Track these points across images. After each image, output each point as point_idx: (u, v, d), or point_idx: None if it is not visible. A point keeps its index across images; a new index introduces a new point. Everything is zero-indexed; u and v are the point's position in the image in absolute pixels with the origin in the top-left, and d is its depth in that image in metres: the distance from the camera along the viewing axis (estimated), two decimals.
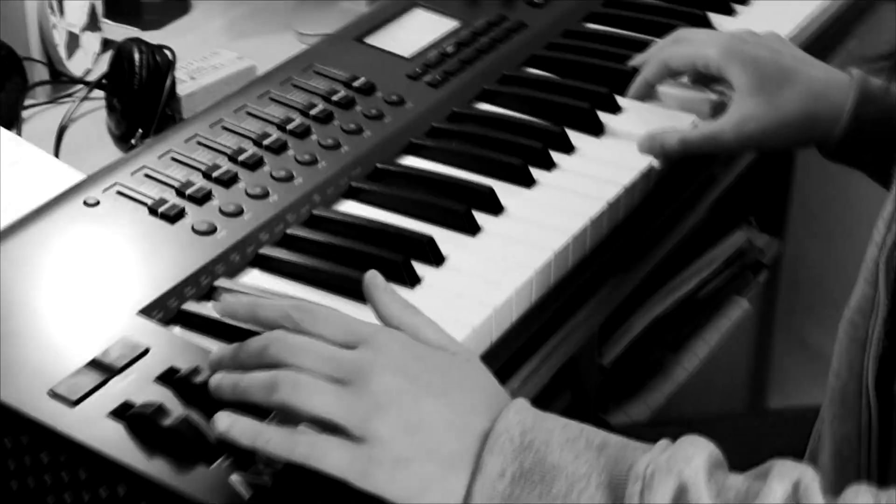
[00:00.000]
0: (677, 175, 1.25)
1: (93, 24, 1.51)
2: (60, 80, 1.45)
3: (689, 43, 1.27)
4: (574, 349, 1.16)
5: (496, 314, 1.03)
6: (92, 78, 1.48)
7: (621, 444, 0.82)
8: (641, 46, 1.37)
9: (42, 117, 1.43)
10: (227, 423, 0.86)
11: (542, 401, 1.17)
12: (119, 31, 1.58)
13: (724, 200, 1.40)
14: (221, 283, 1.04)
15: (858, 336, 0.96)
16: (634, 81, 1.30)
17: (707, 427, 1.24)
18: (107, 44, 1.55)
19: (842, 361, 0.99)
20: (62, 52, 1.45)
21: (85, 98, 1.42)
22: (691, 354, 1.48)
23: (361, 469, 0.82)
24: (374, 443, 0.82)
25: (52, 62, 1.45)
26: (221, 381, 0.88)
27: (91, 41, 1.50)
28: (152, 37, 1.48)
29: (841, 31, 1.54)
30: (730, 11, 1.48)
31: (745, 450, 0.88)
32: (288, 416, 0.86)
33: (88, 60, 1.50)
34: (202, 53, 1.49)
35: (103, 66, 1.50)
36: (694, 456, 0.80)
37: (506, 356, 1.07)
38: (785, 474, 0.79)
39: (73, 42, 1.47)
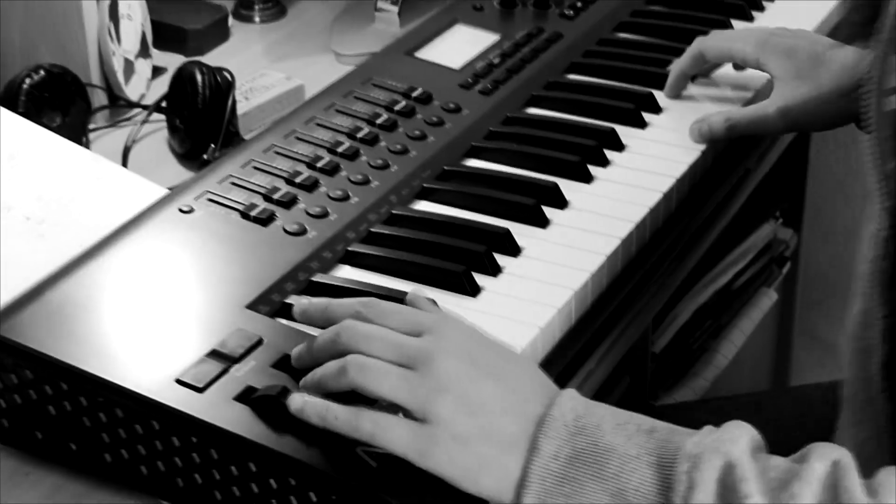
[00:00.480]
0: (716, 170, 1.33)
1: (144, 51, 1.58)
2: (123, 104, 1.52)
3: (725, 36, 1.35)
4: (632, 341, 1.23)
5: (558, 314, 1.10)
6: (147, 102, 1.55)
7: (669, 429, 0.87)
8: (671, 51, 1.45)
9: (104, 140, 1.49)
10: (300, 403, 0.93)
11: (604, 389, 1.24)
12: (166, 58, 1.65)
13: (755, 195, 1.48)
14: (319, 277, 1.11)
15: (862, 347, 1.01)
16: (670, 76, 1.37)
17: (739, 405, 1.32)
18: (156, 70, 1.61)
19: (851, 371, 1.04)
20: (121, 77, 1.51)
21: (145, 120, 1.49)
22: (729, 342, 1.56)
23: (421, 447, 0.88)
24: (435, 422, 0.88)
25: (110, 87, 1.52)
26: (305, 381, 0.95)
27: (144, 67, 1.57)
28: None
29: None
30: (749, 17, 1.56)
31: (772, 427, 0.93)
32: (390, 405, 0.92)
33: (143, 85, 1.57)
34: (248, 75, 1.56)
35: (155, 90, 1.58)
36: (739, 437, 0.84)
37: (571, 352, 1.13)
38: (825, 455, 0.83)
39: (129, 68, 1.54)
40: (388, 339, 0.92)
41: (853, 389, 1.04)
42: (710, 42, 1.36)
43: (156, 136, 1.50)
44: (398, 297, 1.07)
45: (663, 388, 1.47)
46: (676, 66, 1.37)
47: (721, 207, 1.36)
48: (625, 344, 1.21)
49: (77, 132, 1.45)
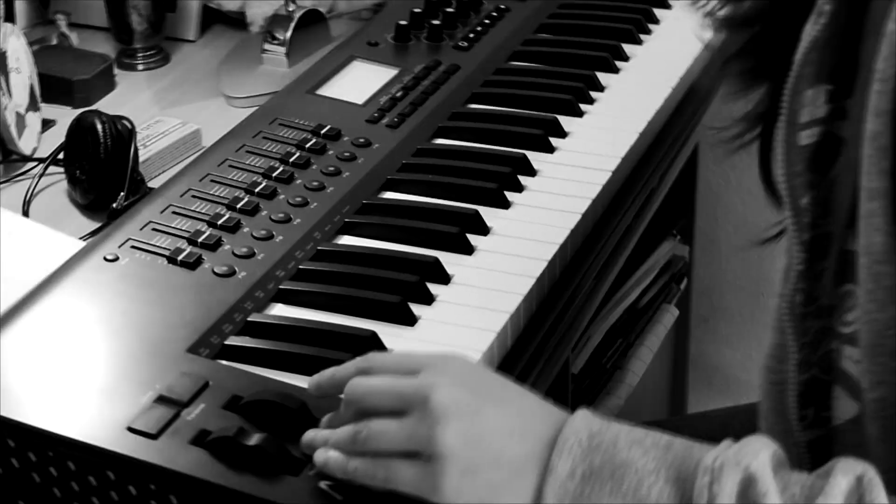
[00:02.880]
0: (624, 189, 1.36)
1: (33, 105, 1.55)
2: (17, 159, 1.49)
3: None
4: (560, 363, 1.25)
5: (497, 338, 1.10)
6: (39, 154, 1.52)
7: (687, 444, 0.86)
8: (565, 77, 1.48)
9: (1, 196, 1.46)
10: (323, 458, 0.92)
11: None
12: (54, 111, 1.62)
13: (656, 213, 1.51)
14: (255, 317, 1.10)
15: (777, 379, 1.01)
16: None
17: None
18: (45, 123, 1.59)
19: (766, 405, 1.04)
20: (13, 131, 1.49)
21: (43, 174, 1.47)
22: (638, 360, 1.58)
23: (432, 484, 0.87)
24: (441, 458, 0.87)
25: (2, 142, 1.49)
26: (327, 453, 0.93)
27: (34, 121, 1.55)
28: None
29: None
30: (637, 40, 1.60)
31: None
32: None
33: (34, 139, 1.54)
34: (142, 123, 1.55)
35: (46, 143, 1.55)
36: (760, 451, 0.83)
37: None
38: (849, 469, 0.81)
39: (20, 122, 1.51)
40: (386, 387, 0.91)
41: (769, 422, 1.04)
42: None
43: (54, 188, 1.48)
44: (338, 331, 1.07)
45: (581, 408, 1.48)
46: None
47: (631, 226, 1.38)
48: (553, 366, 1.22)
49: None
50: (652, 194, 1.43)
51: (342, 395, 0.94)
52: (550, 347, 1.20)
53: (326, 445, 0.93)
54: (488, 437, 0.87)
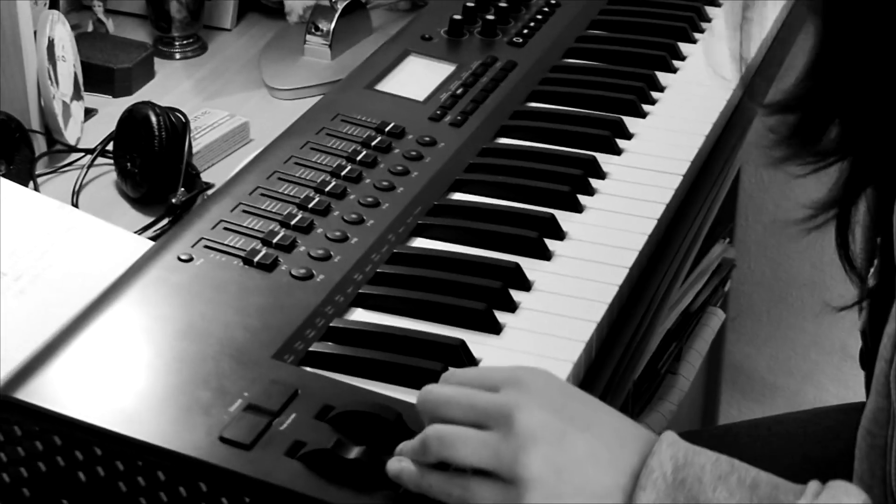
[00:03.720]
0: (691, 190, 1.34)
1: (77, 94, 1.52)
2: (63, 149, 1.46)
3: None
4: (639, 369, 1.22)
5: (585, 349, 1.08)
6: (83, 145, 1.49)
7: (772, 485, 0.84)
8: (622, 75, 1.46)
9: (48, 188, 1.43)
10: (397, 469, 0.90)
11: None
12: (94, 100, 1.59)
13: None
14: (338, 323, 1.07)
15: (877, 444, 0.98)
16: None
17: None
18: (87, 112, 1.55)
19: (863, 467, 1.00)
20: (60, 121, 1.45)
21: (91, 164, 1.43)
22: (688, 364, 1.56)
23: None
24: (524, 484, 0.85)
25: (49, 132, 1.46)
26: (401, 463, 0.91)
27: (78, 110, 1.51)
28: (125, 102, 1.50)
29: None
30: (691, 39, 1.57)
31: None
32: None
33: (77, 129, 1.51)
34: (188, 114, 1.51)
35: (88, 133, 1.51)
36: (853, 499, 0.81)
37: (597, 386, 1.11)
38: None
39: (66, 112, 1.47)
40: (464, 398, 0.89)
41: (865, 484, 0.99)
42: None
43: (101, 180, 1.45)
44: (425, 339, 1.04)
45: (634, 415, 1.47)
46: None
47: (698, 229, 1.36)
48: (629, 374, 1.20)
49: (23, 180, 1.38)
50: (715, 196, 1.41)
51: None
52: (628, 356, 1.18)
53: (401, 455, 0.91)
54: (574, 465, 0.85)
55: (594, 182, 1.28)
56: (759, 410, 2.10)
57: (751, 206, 2.04)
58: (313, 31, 1.67)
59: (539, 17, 1.58)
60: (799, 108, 0.98)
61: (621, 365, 1.15)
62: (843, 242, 1.04)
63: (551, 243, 1.19)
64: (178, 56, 1.71)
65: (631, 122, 1.38)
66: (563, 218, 1.22)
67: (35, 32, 1.43)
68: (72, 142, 1.48)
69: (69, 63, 1.50)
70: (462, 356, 1.04)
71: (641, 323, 1.19)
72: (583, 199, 1.26)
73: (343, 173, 1.24)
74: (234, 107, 1.57)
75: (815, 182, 1.07)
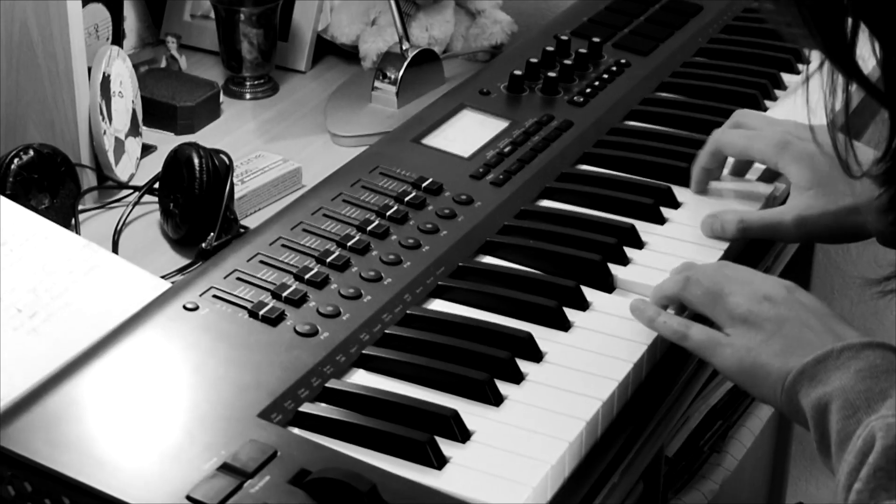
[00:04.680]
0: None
1: (134, 130, 1.52)
2: (113, 185, 1.46)
3: (746, 132, 1.30)
4: (654, 450, 1.17)
5: (587, 427, 1.04)
6: (136, 182, 1.48)
7: None
8: (684, 142, 1.41)
9: (93, 223, 1.43)
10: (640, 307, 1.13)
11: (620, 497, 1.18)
12: (155, 137, 1.59)
13: None
14: (333, 384, 1.04)
15: None
16: (693, 171, 1.33)
17: None
18: (145, 148, 1.55)
19: None
20: (111, 157, 1.45)
21: (136, 203, 1.43)
22: (737, 443, 1.51)
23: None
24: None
25: (99, 167, 1.46)
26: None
27: (134, 146, 1.51)
28: (188, 140, 1.50)
29: None
30: (762, 107, 1.52)
31: None
32: None
33: (132, 165, 1.51)
34: (242, 155, 1.51)
35: (144, 170, 1.51)
36: None
37: (599, 467, 1.07)
38: None
39: (119, 147, 1.47)
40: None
41: None
42: (729, 139, 1.31)
43: (147, 218, 1.44)
44: (418, 407, 1.01)
45: (673, 491, 1.41)
46: (697, 163, 1.33)
47: None
48: (647, 453, 1.15)
49: (66, 215, 1.38)
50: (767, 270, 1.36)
51: None
52: (647, 433, 1.13)
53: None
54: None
55: (630, 252, 1.24)
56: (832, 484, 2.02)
57: (828, 264, 1.97)
58: (382, 78, 1.66)
59: (605, 76, 1.54)
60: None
61: (635, 441, 1.11)
62: None
63: (572, 314, 1.15)
64: (247, 96, 1.71)
65: (681, 192, 1.34)
66: (590, 291, 1.18)
67: (90, 68, 1.43)
68: (125, 178, 1.48)
69: (127, 98, 1.50)
70: (454, 428, 1.00)
71: (661, 400, 1.14)
72: (614, 268, 1.21)
73: (369, 228, 1.22)
74: (293, 151, 1.56)
75: None
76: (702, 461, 1.47)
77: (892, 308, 1.80)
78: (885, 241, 1.25)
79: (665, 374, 1.15)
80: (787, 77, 1.58)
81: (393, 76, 1.65)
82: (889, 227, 1.02)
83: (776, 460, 1.86)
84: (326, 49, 1.82)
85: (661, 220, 1.30)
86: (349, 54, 1.80)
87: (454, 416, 1.01)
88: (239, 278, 1.14)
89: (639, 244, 1.26)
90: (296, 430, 1.00)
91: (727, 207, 1.31)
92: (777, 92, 1.55)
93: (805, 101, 0.95)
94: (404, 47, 1.67)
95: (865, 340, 1.01)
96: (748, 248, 1.30)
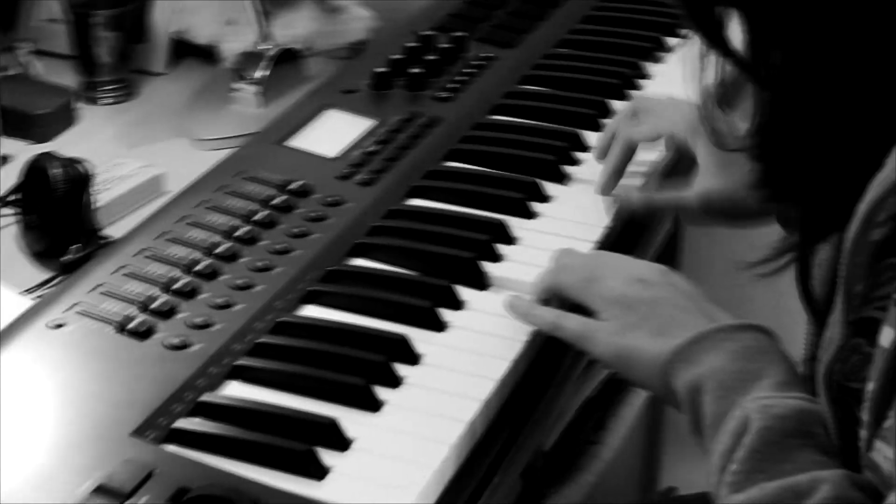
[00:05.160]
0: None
1: None
2: None
3: (651, 116, 1.31)
4: (534, 445, 1.17)
5: (468, 429, 1.03)
6: None
7: None
8: (548, 134, 1.41)
9: None
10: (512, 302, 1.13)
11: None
12: (12, 146, 1.54)
13: None
14: (207, 397, 1.02)
15: None
16: (603, 176, 1.33)
17: None
18: (2, 159, 1.51)
19: None
20: None
21: None
22: (612, 433, 1.51)
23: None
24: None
25: None
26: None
27: None
28: (46, 149, 1.46)
29: None
30: (623, 97, 1.52)
31: None
32: None
33: None
34: (103, 164, 1.47)
35: (6, 181, 1.47)
36: None
37: (480, 468, 1.06)
38: None
39: None
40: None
41: None
42: (637, 130, 1.31)
43: (4, 232, 1.39)
44: (295, 417, 0.99)
45: (552, 487, 1.41)
46: (608, 166, 1.33)
47: None
48: (527, 451, 1.15)
49: None
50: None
51: None
52: (526, 430, 1.12)
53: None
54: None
55: (502, 248, 1.23)
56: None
57: (699, 252, 1.98)
58: (241, 79, 1.63)
59: (471, 71, 1.54)
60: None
61: (513, 444, 1.10)
62: (803, 280, 1.03)
63: (448, 313, 1.14)
64: (105, 100, 1.67)
65: (550, 185, 1.33)
66: (464, 288, 1.17)
67: None
68: None
69: None
70: (333, 436, 0.99)
71: (541, 396, 1.14)
72: (487, 265, 1.20)
73: (237, 235, 1.19)
74: (154, 156, 1.53)
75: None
76: (579, 454, 1.47)
77: (763, 293, 1.81)
78: (786, 223, 1.25)
79: (543, 369, 1.14)
80: (648, 66, 1.59)
81: (254, 76, 1.63)
82: (761, 203, 1.03)
83: (649, 447, 1.87)
84: (186, 50, 1.78)
85: (531, 215, 1.29)
86: (209, 55, 1.77)
87: (332, 424, 0.99)
88: (104, 292, 1.11)
89: (511, 240, 1.25)
90: (172, 448, 0.98)
91: (595, 200, 1.31)
92: (640, 82, 1.55)
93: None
94: (265, 46, 1.64)
95: (739, 322, 1.02)
96: (619, 239, 1.30)
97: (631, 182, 1.32)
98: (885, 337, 0.85)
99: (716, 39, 0.91)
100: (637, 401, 1.58)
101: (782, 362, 0.99)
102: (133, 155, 1.53)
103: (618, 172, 1.33)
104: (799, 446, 0.91)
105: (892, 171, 0.86)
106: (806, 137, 0.91)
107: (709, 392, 0.98)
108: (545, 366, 1.15)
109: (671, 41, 1.64)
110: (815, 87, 0.89)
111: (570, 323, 1.10)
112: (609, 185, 1.33)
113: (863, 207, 0.87)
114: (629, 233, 1.31)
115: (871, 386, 0.86)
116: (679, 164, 1.35)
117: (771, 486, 0.89)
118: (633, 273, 1.10)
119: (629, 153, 1.33)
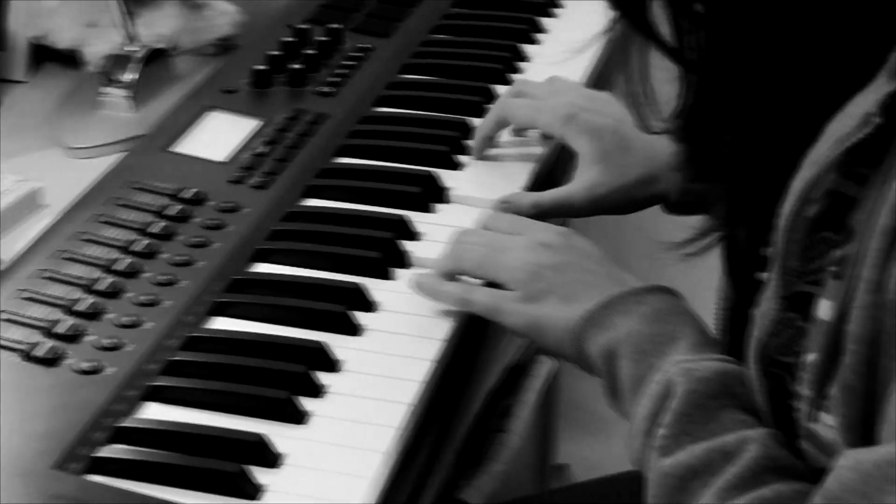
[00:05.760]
0: None
1: None
2: None
3: (532, 102, 1.31)
4: (460, 442, 1.16)
5: (397, 433, 1.01)
6: None
7: None
8: (436, 124, 1.39)
9: None
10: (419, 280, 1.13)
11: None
12: None
13: None
14: (127, 422, 0.98)
15: None
16: (474, 140, 1.34)
17: None
18: None
19: None
20: None
21: None
22: (518, 419, 1.50)
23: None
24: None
25: None
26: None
27: None
28: None
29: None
30: (506, 81, 1.51)
31: None
32: None
33: None
34: None
35: None
36: None
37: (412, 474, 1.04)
38: None
39: None
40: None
41: None
42: (514, 109, 1.31)
43: None
44: (219, 436, 0.96)
45: (465, 479, 1.40)
46: (480, 131, 1.34)
47: None
48: (453, 448, 1.13)
49: None
50: None
51: None
52: (446, 432, 1.11)
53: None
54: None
55: (407, 244, 1.21)
56: (598, 447, 2.05)
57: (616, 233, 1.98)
58: (110, 82, 1.58)
59: (351, 63, 1.51)
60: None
61: (439, 444, 1.09)
62: (731, 259, 1.04)
63: (361, 316, 1.12)
64: None
65: (446, 175, 1.32)
66: (374, 286, 1.15)
67: None
68: None
69: None
70: (261, 455, 0.96)
71: (462, 391, 1.13)
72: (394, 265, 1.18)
73: (135, 249, 1.16)
74: (27, 168, 1.47)
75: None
76: (489, 444, 1.46)
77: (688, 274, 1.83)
78: (672, 209, 1.26)
79: (464, 365, 1.13)
80: (526, 48, 1.58)
81: (123, 79, 1.58)
82: (686, 183, 1.03)
83: (543, 426, 1.87)
84: (46, 55, 1.72)
85: (430, 209, 1.27)
86: (71, 59, 1.71)
87: (260, 441, 0.97)
88: (5, 319, 1.07)
89: (414, 236, 1.23)
90: (97, 478, 0.94)
91: (495, 187, 1.30)
92: (520, 65, 1.54)
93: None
94: (132, 48, 1.59)
95: (647, 285, 1.04)
96: None
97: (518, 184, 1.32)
98: (823, 310, 0.86)
99: (639, 23, 0.91)
100: (536, 384, 1.58)
101: (693, 323, 1.01)
102: (5, 169, 1.47)
103: (487, 140, 1.34)
104: (723, 407, 0.93)
105: (828, 148, 0.86)
106: (733, 119, 0.91)
107: (625, 356, 0.99)
108: (466, 362, 1.13)
109: (545, 21, 1.64)
110: (740, 67, 0.89)
111: (479, 296, 1.09)
112: (478, 150, 1.35)
113: (798, 184, 0.88)
114: None
115: (809, 358, 0.87)
116: (560, 158, 1.35)
117: (699, 447, 0.90)
118: (534, 239, 1.10)
119: (502, 125, 1.34)
